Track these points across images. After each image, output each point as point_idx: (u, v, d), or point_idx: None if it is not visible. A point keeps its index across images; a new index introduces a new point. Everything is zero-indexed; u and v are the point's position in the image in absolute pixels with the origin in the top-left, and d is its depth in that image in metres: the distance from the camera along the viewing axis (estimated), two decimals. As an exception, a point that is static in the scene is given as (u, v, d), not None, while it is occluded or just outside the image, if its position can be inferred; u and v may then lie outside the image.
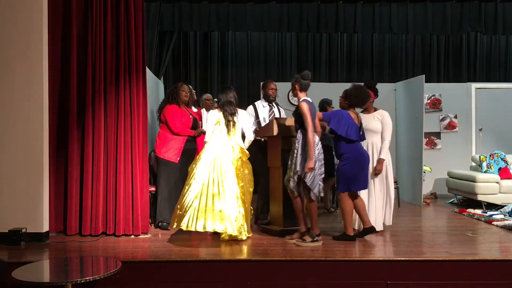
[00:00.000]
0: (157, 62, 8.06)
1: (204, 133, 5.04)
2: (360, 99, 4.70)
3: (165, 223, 5.13)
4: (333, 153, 4.90)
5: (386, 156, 4.94)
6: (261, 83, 5.88)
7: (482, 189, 6.68)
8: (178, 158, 5.21)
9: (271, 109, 5.48)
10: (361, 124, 4.70)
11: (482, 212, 6.32)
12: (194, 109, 5.93)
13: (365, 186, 4.64)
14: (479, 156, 7.25)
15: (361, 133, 4.68)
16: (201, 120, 5.72)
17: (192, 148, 5.37)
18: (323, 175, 4.44)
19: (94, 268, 3.53)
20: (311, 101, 4.51)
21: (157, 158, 5.29)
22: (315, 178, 4.34)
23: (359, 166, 4.54)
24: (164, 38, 8.17)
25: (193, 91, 6.08)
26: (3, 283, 3.69)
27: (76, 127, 4.81)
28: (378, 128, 4.96)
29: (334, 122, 4.50)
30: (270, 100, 5.46)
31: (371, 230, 4.64)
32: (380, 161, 4.87)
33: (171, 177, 5.21)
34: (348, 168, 4.51)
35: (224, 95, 4.85)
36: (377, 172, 4.86)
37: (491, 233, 5.05)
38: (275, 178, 4.88)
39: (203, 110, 6.00)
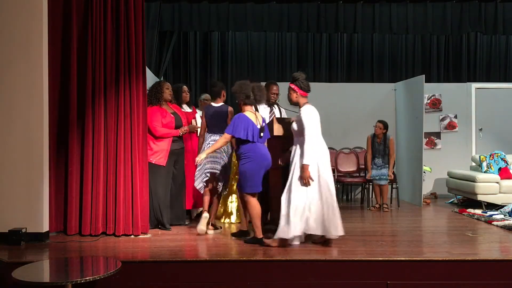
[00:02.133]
0: (157, 62, 8.06)
1: (187, 131, 5.28)
2: (244, 95, 4.52)
3: (168, 227, 5.12)
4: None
5: (313, 158, 4.32)
6: (263, 84, 5.87)
7: (482, 189, 6.69)
8: (166, 161, 5.12)
9: (271, 109, 5.48)
10: (263, 125, 4.60)
11: (482, 212, 6.33)
12: (189, 109, 5.91)
13: (258, 188, 4.47)
14: (479, 156, 7.25)
15: (261, 134, 4.52)
16: (194, 119, 5.70)
17: (179, 148, 5.27)
18: (210, 170, 4.90)
19: (94, 268, 3.53)
20: (216, 105, 5.10)
21: None
22: (200, 172, 4.94)
23: (257, 165, 4.43)
24: (164, 38, 8.17)
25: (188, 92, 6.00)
26: (3, 283, 3.69)
27: (76, 127, 4.81)
28: (297, 127, 4.47)
29: (229, 129, 4.45)
30: (270, 103, 5.45)
31: (260, 241, 4.42)
32: (303, 167, 4.28)
33: (161, 181, 5.12)
34: (248, 166, 4.41)
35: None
36: (304, 180, 4.29)
37: (491, 233, 5.05)
38: (275, 178, 4.88)
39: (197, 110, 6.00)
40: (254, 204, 4.47)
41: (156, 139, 5.10)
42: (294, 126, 4.51)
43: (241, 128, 4.40)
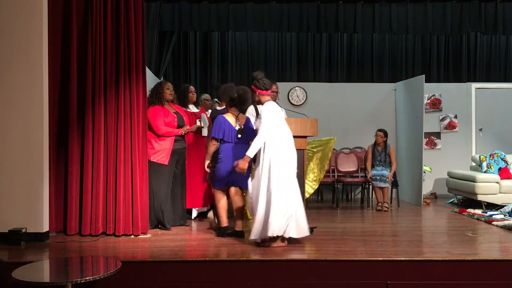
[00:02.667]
0: (157, 62, 8.07)
1: (189, 130, 5.29)
2: (228, 97, 4.85)
3: (168, 227, 5.12)
4: None
5: (263, 153, 4.33)
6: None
7: (482, 189, 6.69)
8: (168, 160, 5.11)
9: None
10: (243, 126, 4.75)
11: (482, 212, 6.33)
12: (196, 109, 5.93)
13: (241, 184, 4.70)
14: (479, 156, 7.25)
15: (239, 135, 4.73)
16: (200, 119, 5.71)
17: (181, 148, 5.26)
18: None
19: (94, 268, 3.53)
20: (220, 108, 5.36)
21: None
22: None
23: (227, 166, 4.66)
24: (164, 38, 8.18)
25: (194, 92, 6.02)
26: (3, 283, 3.69)
27: (76, 127, 4.81)
28: (257, 126, 4.47)
29: (212, 132, 4.80)
30: None
31: (227, 229, 4.76)
32: (244, 158, 4.36)
33: (163, 180, 5.12)
34: (218, 166, 4.72)
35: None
36: (236, 169, 4.43)
37: (491, 233, 5.05)
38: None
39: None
40: (219, 198, 4.79)
41: (159, 138, 5.10)
42: (258, 124, 4.51)
43: (217, 129, 4.72)
